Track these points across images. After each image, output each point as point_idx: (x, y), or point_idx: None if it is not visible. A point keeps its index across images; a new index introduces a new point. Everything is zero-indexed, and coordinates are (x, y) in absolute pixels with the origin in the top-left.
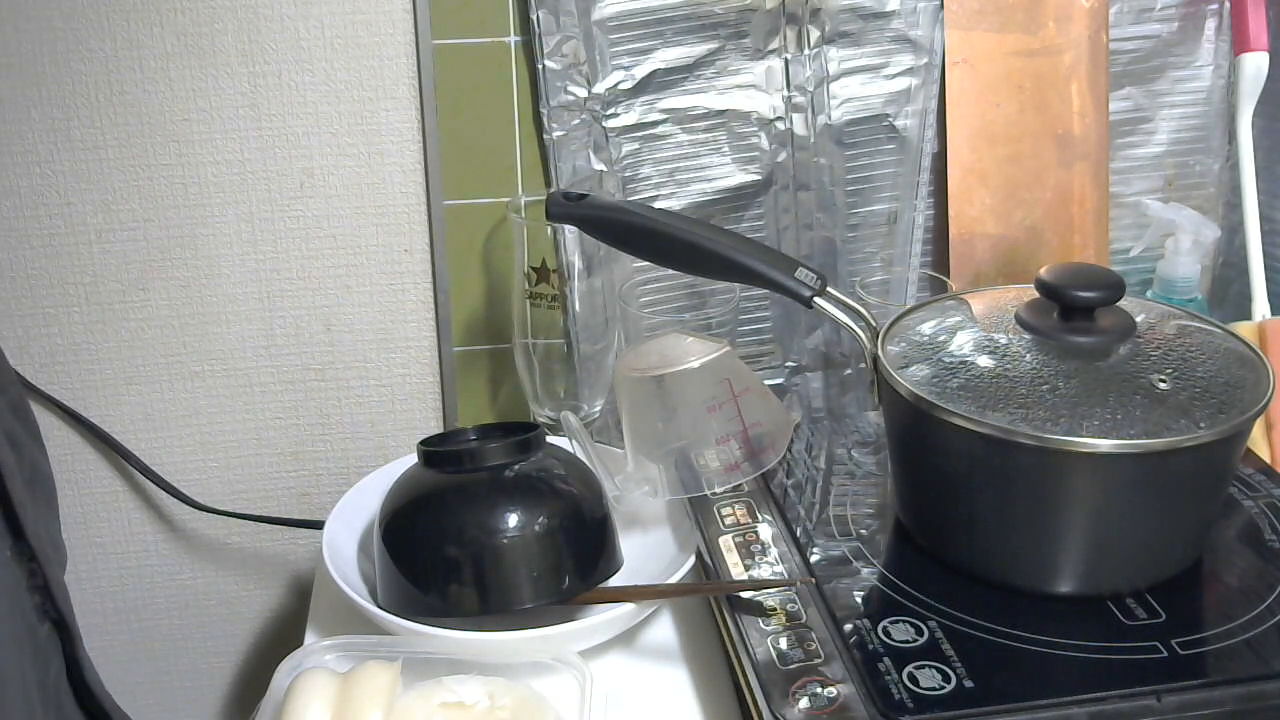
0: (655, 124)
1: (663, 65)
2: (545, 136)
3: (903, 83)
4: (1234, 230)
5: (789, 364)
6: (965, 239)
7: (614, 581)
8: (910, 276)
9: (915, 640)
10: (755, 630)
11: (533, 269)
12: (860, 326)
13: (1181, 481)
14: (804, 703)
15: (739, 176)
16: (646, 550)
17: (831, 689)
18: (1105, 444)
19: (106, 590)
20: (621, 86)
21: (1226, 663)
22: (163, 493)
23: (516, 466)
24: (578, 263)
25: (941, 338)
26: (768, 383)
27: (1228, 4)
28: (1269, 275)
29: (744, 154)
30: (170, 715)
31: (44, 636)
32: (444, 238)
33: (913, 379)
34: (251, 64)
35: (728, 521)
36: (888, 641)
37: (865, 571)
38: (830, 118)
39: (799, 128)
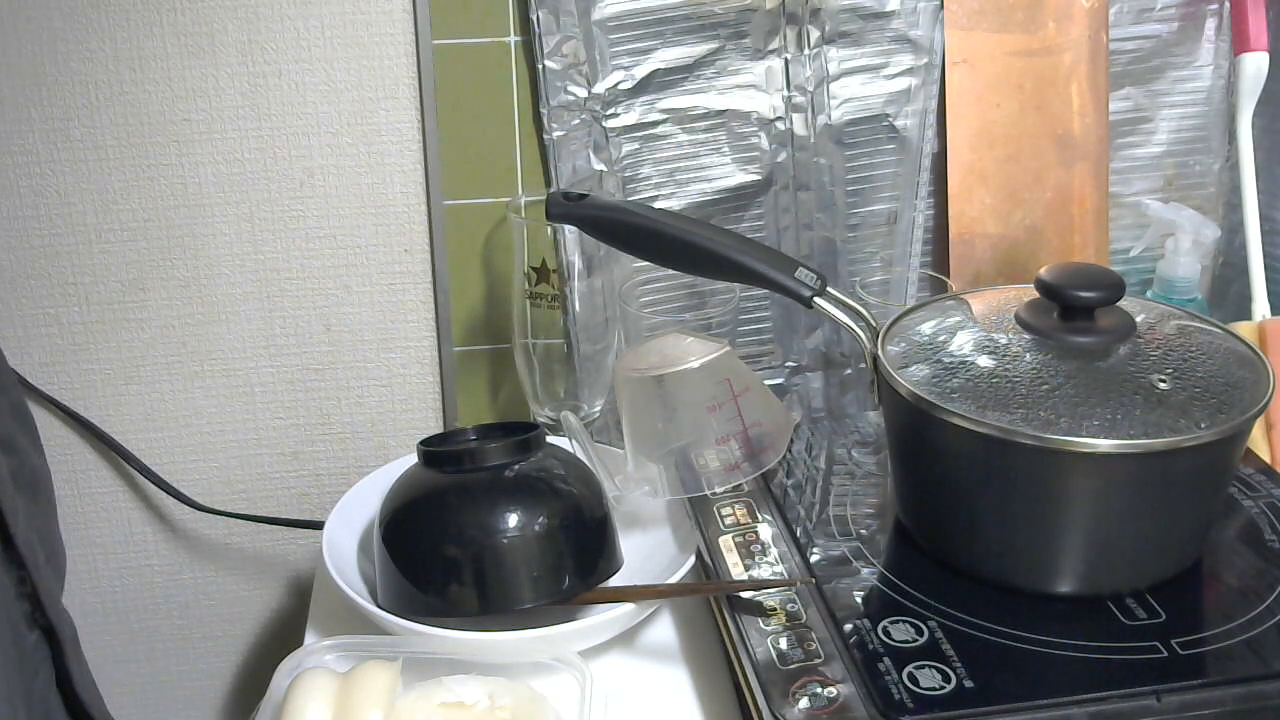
0: (655, 124)
1: (663, 65)
2: (545, 136)
3: (903, 83)
4: (1234, 230)
5: (789, 364)
6: (965, 239)
7: (614, 581)
8: (910, 276)
9: (915, 640)
10: (755, 630)
11: (533, 269)
12: (860, 326)
13: (1181, 481)
14: (804, 703)
15: (739, 176)
16: (646, 550)
17: (831, 689)
18: (1105, 444)
19: (106, 590)
20: (621, 86)
21: (1226, 663)
22: (163, 493)
23: (516, 466)
24: (578, 263)
25: (941, 338)
26: (768, 383)
27: (1228, 4)
28: (1269, 275)
29: (744, 154)
30: (170, 715)
31: (32, 645)
32: (444, 238)
33: (913, 379)
34: (251, 64)
35: (728, 521)
36: (888, 641)
37: (865, 571)
38: (830, 118)
39: (799, 128)
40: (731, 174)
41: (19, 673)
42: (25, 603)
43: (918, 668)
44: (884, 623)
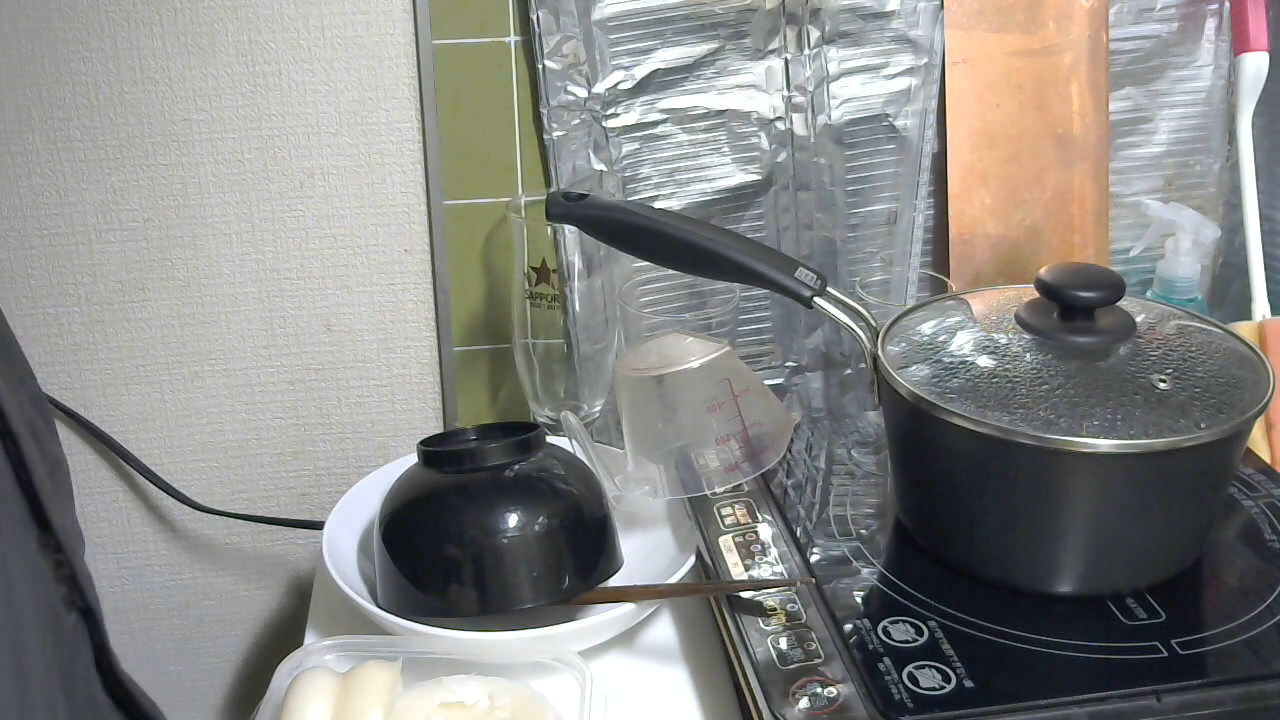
0: (655, 124)
1: (663, 65)
2: (545, 136)
3: (903, 83)
4: (1234, 230)
5: (789, 364)
6: (965, 239)
7: (614, 581)
8: (910, 276)
9: (915, 640)
10: (755, 630)
11: (533, 269)
12: (860, 326)
13: (1181, 481)
14: (804, 703)
15: (739, 176)
16: (646, 550)
17: (831, 689)
18: (1105, 444)
19: (106, 590)
20: (621, 86)
21: (1226, 663)
22: (163, 493)
23: (516, 466)
24: (578, 263)
25: (941, 338)
26: (768, 383)
27: (1228, 4)
28: (1269, 275)
29: (744, 154)
30: (170, 715)
31: (71, 626)
32: (444, 238)
33: (913, 379)
34: (251, 64)
35: (728, 521)
36: (888, 641)
37: (865, 571)
38: (830, 118)
39: (799, 128)
40: (731, 174)
41: (56, 654)
42: (63, 585)
43: (918, 668)
44: (884, 623)
